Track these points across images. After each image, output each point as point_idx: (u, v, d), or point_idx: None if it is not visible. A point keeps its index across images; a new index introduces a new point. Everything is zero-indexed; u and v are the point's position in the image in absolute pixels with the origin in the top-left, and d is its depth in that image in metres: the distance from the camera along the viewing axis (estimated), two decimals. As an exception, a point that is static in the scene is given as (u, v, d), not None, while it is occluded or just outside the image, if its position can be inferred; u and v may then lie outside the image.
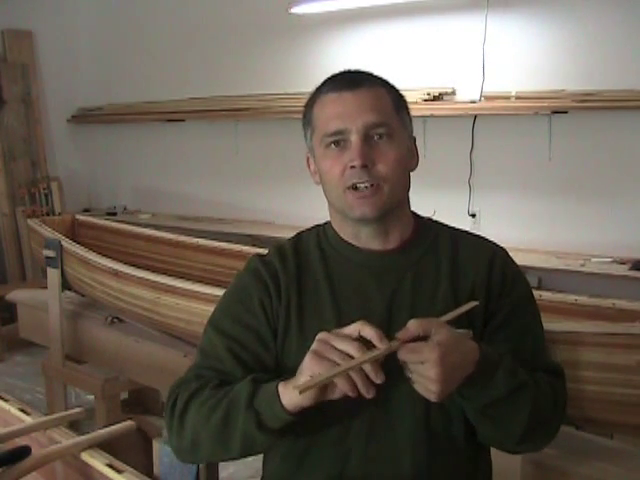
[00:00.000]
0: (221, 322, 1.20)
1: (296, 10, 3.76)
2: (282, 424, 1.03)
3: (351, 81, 1.12)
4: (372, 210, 1.10)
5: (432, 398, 0.97)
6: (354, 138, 1.09)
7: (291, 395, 0.99)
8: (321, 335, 0.99)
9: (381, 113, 1.10)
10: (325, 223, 1.25)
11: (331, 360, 0.96)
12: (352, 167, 1.09)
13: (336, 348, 0.96)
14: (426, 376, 0.95)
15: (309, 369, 0.97)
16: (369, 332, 0.97)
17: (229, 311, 1.20)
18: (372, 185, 1.09)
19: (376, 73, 1.18)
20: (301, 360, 1.01)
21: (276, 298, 1.16)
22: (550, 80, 3.33)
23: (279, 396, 1.01)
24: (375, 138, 1.10)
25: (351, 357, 0.95)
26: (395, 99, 1.15)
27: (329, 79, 1.17)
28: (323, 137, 1.12)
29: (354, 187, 1.10)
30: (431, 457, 1.12)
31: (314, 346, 0.99)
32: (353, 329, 0.98)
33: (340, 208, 1.15)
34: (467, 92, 3.60)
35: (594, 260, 3.19)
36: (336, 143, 1.11)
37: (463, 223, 3.34)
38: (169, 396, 1.16)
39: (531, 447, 1.16)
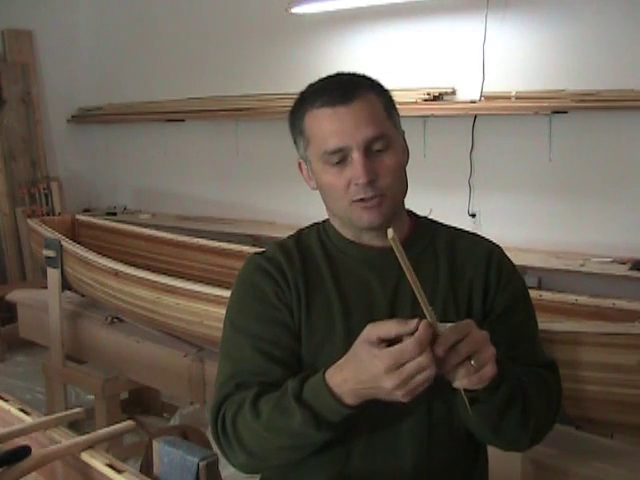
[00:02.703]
0: (244, 324, 1.16)
1: (296, 10, 3.76)
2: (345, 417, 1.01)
3: (344, 93, 1.10)
4: (379, 219, 1.12)
5: (489, 380, 0.95)
6: (355, 155, 1.09)
7: (355, 398, 0.98)
8: (390, 358, 0.92)
9: (378, 124, 1.10)
10: (324, 221, 1.26)
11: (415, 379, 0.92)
12: (357, 184, 1.09)
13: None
14: (487, 357, 0.94)
15: (391, 386, 0.92)
16: (425, 336, 0.91)
17: (248, 311, 1.17)
18: (376, 196, 1.10)
19: (361, 72, 1.17)
20: (308, 355, 1.03)
21: (287, 291, 1.16)
22: (550, 80, 3.33)
23: (343, 402, 0.99)
24: (375, 150, 1.10)
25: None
26: (385, 102, 1.15)
27: (317, 88, 1.15)
28: (322, 154, 1.12)
29: (360, 199, 1.11)
30: (432, 448, 1.13)
31: (382, 367, 0.92)
32: (416, 345, 0.91)
33: (345, 218, 1.16)
34: (467, 92, 3.60)
35: (594, 260, 3.19)
36: (337, 159, 1.11)
37: (463, 223, 3.34)
38: (213, 417, 1.13)
39: (528, 443, 1.15)
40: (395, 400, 0.95)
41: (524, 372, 1.10)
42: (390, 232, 0.90)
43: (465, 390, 0.98)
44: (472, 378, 0.94)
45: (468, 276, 1.17)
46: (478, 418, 1.05)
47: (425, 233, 1.22)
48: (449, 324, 0.98)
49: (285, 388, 1.05)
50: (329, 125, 1.10)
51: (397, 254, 0.90)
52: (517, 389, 1.05)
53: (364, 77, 1.17)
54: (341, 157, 1.10)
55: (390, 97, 1.17)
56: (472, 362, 0.93)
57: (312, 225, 1.27)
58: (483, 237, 1.25)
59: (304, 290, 1.15)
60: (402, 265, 0.91)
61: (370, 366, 0.93)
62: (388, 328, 0.93)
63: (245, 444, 1.09)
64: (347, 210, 1.13)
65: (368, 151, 1.10)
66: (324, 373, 1.01)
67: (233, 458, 1.13)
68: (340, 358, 1.00)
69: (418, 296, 0.92)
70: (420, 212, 1.28)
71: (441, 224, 1.27)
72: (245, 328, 1.16)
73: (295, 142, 1.20)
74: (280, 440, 1.05)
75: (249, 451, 1.09)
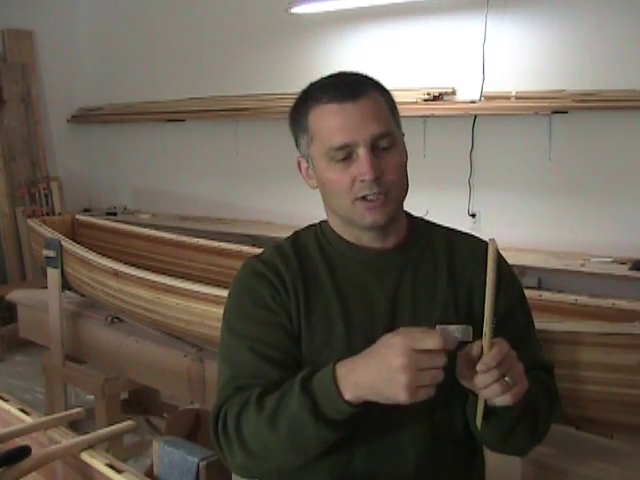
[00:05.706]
0: (241, 327, 1.16)
1: (296, 10, 3.76)
2: (349, 416, 1.01)
3: (351, 90, 1.11)
4: (383, 218, 1.12)
5: (522, 395, 0.98)
6: (362, 152, 1.09)
7: (354, 392, 0.98)
8: (408, 359, 0.93)
9: (383, 122, 1.11)
10: (321, 222, 1.25)
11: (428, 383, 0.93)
12: (362, 180, 1.09)
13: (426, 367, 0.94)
14: (520, 373, 0.97)
15: (406, 382, 0.93)
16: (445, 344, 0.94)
17: (246, 315, 1.16)
18: (381, 193, 1.10)
19: (364, 73, 1.18)
20: (309, 357, 1.04)
21: (284, 294, 1.15)
22: (550, 80, 3.33)
23: (342, 394, 0.98)
24: (380, 148, 1.10)
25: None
26: (389, 101, 1.15)
27: (322, 85, 1.15)
28: (328, 150, 1.11)
29: (363, 197, 1.10)
30: (434, 449, 1.13)
31: (405, 363, 0.92)
32: (436, 344, 0.93)
33: (347, 216, 1.15)
34: (467, 92, 3.60)
35: (594, 260, 3.19)
36: (342, 156, 1.11)
37: (463, 223, 3.34)
38: (214, 418, 1.11)
39: (530, 449, 1.17)
40: (392, 403, 0.95)
41: (532, 381, 1.10)
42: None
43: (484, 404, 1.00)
44: (509, 394, 0.96)
45: (468, 277, 1.17)
46: (490, 430, 1.07)
47: (422, 234, 1.22)
48: (453, 326, 0.99)
49: (294, 377, 1.05)
50: (336, 121, 1.10)
51: (490, 263, 0.94)
52: (530, 402, 1.05)
53: (368, 77, 1.17)
54: (347, 154, 1.10)
55: (392, 98, 1.18)
56: (506, 379, 0.96)
57: (309, 227, 1.26)
58: (479, 238, 1.25)
59: (303, 292, 1.15)
60: (489, 274, 0.94)
61: (390, 355, 0.93)
62: (425, 342, 0.93)
63: (246, 443, 1.07)
64: (350, 208, 1.12)
65: (374, 148, 1.10)
66: (336, 362, 1.01)
67: (232, 459, 1.12)
68: (341, 360, 1.01)
69: (487, 311, 0.95)
70: (419, 212, 1.28)
71: (436, 224, 1.27)
72: (242, 331, 1.15)
73: (296, 140, 1.19)
74: (279, 432, 1.03)
75: (249, 450, 1.07)
